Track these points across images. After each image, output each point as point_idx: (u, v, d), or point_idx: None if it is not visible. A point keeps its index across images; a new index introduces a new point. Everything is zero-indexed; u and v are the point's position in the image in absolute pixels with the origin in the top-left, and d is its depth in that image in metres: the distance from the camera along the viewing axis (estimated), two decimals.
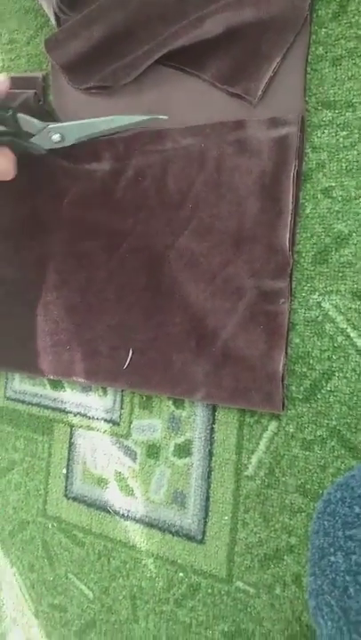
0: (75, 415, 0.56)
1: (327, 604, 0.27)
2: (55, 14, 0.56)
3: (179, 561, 0.48)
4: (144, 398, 0.51)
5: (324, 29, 0.45)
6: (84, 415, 0.55)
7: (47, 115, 0.58)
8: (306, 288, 0.44)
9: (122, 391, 0.53)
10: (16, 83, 0.59)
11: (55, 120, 0.58)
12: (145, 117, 0.50)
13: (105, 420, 0.54)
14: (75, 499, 0.56)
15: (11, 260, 0.61)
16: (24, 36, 0.62)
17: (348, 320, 0.42)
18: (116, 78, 0.52)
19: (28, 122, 0.50)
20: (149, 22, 0.51)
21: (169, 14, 0.50)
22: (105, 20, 0.52)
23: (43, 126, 0.50)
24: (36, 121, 0.50)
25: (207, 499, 0.47)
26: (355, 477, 0.32)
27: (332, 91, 0.45)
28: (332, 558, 0.28)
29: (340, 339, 0.42)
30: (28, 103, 0.58)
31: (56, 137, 0.50)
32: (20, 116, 0.49)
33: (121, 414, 0.53)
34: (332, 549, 0.28)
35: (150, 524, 0.50)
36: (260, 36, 0.47)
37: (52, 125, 0.50)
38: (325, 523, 0.29)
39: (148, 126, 0.51)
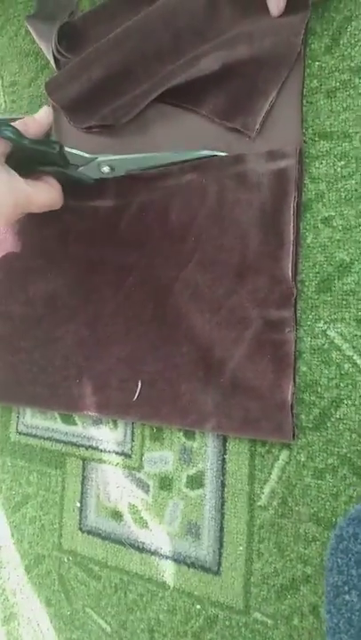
0: (86, 448, 0.56)
1: None
2: (54, 57, 0.58)
3: (195, 593, 0.48)
4: (155, 430, 0.52)
5: (317, 62, 0.47)
6: (96, 448, 0.56)
7: None
8: (311, 317, 0.44)
9: (132, 423, 0.53)
10: None
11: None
12: (202, 153, 0.50)
13: (116, 453, 0.54)
14: (89, 532, 0.56)
15: (18, 297, 0.62)
16: (25, 78, 0.64)
17: (353, 347, 0.42)
18: (117, 117, 0.54)
19: (75, 155, 0.51)
20: (146, 61, 0.52)
21: (165, 53, 0.52)
22: (103, 61, 0.53)
23: (92, 158, 0.52)
24: (84, 154, 0.51)
25: (221, 530, 0.47)
26: None
27: (328, 122, 0.46)
28: (347, 597, 0.28)
29: (346, 366, 0.42)
30: None
31: (105, 169, 0.52)
32: (68, 150, 0.50)
33: (132, 447, 0.53)
34: (346, 588, 0.28)
35: (165, 556, 0.50)
36: (256, 71, 0.48)
37: (101, 158, 0.52)
38: (339, 560, 0.29)
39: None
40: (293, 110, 0.47)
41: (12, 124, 0.48)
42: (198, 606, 0.48)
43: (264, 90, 0.48)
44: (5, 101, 0.65)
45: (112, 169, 0.52)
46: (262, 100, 0.48)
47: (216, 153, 0.49)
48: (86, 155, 0.51)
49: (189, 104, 0.52)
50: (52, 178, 0.52)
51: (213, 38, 0.50)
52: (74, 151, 0.51)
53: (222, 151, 0.49)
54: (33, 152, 0.49)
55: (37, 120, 0.51)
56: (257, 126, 0.48)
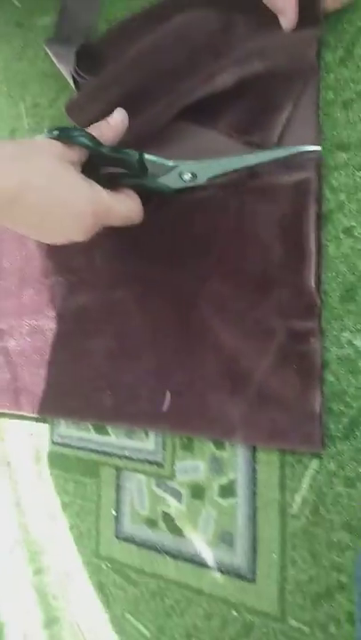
0: (120, 458, 0.58)
1: None
2: (73, 78, 0.60)
3: (231, 599, 0.49)
4: (185, 440, 0.53)
5: (332, 74, 0.47)
6: (129, 458, 0.57)
7: None
8: (336, 327, 0.45)
9: (163, 433, 0.55)
10: None
11: None
12: (289, 150, 0.46)
13: (149, 462, 0.55)
14: (125, 539, 0.58)
15: (48, 312, 0.64)
16: (46, 99, 0.65)
17: None
18: (136, 137, 0.55)
19: (155, 163, 0.49)
20: (162, 80, 0.53)
21: (180, 71, 0.52)
22: (120, 81, 0.54)
23: (173, 166, 0.49)
24: (165, 161, 0.49)
25: (254, 538, 0.48)
26: None
27: (345, 133, 0.46)
28: None
29: None
30: None
31: (187, 176, 0.50)
32: (148, 158, 0.48)
33: (164, 456, 0.54)
34: None
35: (201, 564, 0.51)
36: (271, 85, 0.49)
37: (183, 165, 0.49)
38: None
39: None
40: (310, 122, 0.47)
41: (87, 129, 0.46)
42: (235, 613, 0.49)
43: (280, 104, 0.48)
44: (29, 123, 0.67)
45: (194, 176, 0.50)
46: (279, 114, 0.48)
47: (310, 148, 0.45)
48: (168, 162, 0.49)
49: (206, 120, 0.52)
50: (130, 190, 0.49)
51: (228, 54, 0.50)
52: (155, 158, 0.48)
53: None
54: (110, 160, 0.47)
55: (112, 125, 0.48)
56: (275, 140, 0.48)
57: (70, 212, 0.43)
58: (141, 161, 0.48)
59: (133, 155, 0.48)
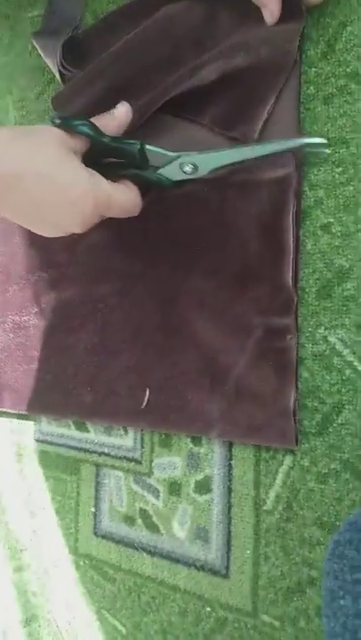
0: (99, 455, 0.58)
1: None
2: (60, 71, 0.59)
3: (206, 595, 0.49)
4: (163, 436, 0.53)
5: (314, 69, 0.47)
6: (108, 455, 0.57)
7: None
8: (312, 323, 0.45)
9: (142, 430, 0.54)
10: None
11: None
12: (297, 141, 0.45)
13: (127, 459, 0.55)
14: (104, 536, 0.57)
15: (31, 307, 0.63)
16: (33, 93, 0.65)
17: (354, 353, 0.42)
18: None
19: (156, 153, 0.48)
20: (147, 73, 0.53)
21: (165, 64, 0.52)
22: (105, 74, 0.54)
23: (174, 157, 0.48)
24: (167, 152, 0.48)
25: (229, 533, 0.47)
26: None
27: (325, 128, 0.46)
28: (342, 602, 0.28)
29: (348, 372, 0.43)
30: None
31: (188, 168, 0.48)
32: (149, 148, 0.47)
33: (142, 453, 0.54)
34: (341, 592, 0.29)
35: (176, 560, 0.51)
36: (253, 79, 0.49)
37: (184, 156, 0.48)
38: (335, 565, 0.30)
39: None
40: (291, 117, 0.47)
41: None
42: (208, 608, 0.49)
43: (262, 98, 0.48)
44: (15, 116, 0.67)
45: (195, 168, 0.48)
46: (260, 109, 0.48)
47: (314, 140, 0.44)
48: (169, 153, 0.47)
49: (190, 114, 0.52)
50: (129, 181, 0.48)
51: (212, 48, 0.50)
52: (155, 149, 0.47)
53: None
54: (111, 151, 0.46)
55: (116, 117, 0.47)
56: (256, 135, 0.48)
57: (70, 200, 0.42)
58: (142, 151, 0.47)
59: (135, 145, 0.47)
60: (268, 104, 0.48)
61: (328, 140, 0.45)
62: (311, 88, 0.47)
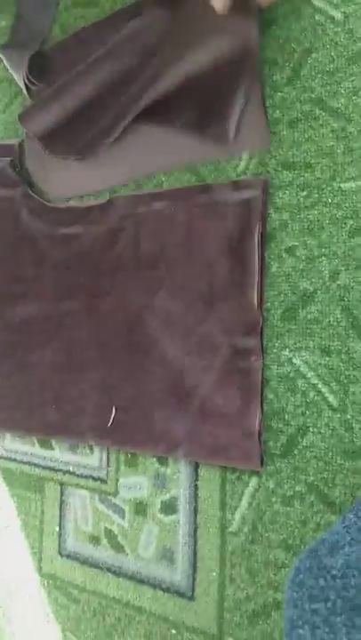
0: (64, 473, 0.57)
1: None
2: (26, 85, 0.59)
3: (171, 618, 0.49)
4: (129, 456, 0.52)
5: (280, 93, 0.47)
6: (73, 473, 0.56)
7: (24, 181, 0.60)
8: (277, 345, 0.45)
9: (107, 449, 0.54)
10: None
11: (32, 186, 0.60)
12: None
13: (93, 478, 0.55)
14: (68, 556, 0.56)
15: None
16: (0, 104, 0.64)
17: (318, 376, 0.43)
18: (94, 147, 0.54)
19: None
20: (115, 87, 0.53)
21: (132, 76, 0.52)
22: (74, 90, 0.54)
23: None
24: None
25: (195, 555, 0.47)
26: (324, 543, 0.33)
27: (290, 152, 0.46)
28: (301, 631, 0.28)
29: (312, 394, 0.43)
30: (4, 171, 0.60)
31: None
32: None
33: (108, 472, 0.54)
34: (300, 622, 0.29)
35: (142, 581, 0.51)
36: (219, 80, 0.49)
37: None
38: (294, 594, 0.30)
39: (119, 192, 0.53)
40: (260, 117, 0.47)
41: None
42: (174, 631, 0.48)
43: (231, 97, 0.48)
44: None
45: None
46: (230, 109, 0.48)
47: None
48: None
49: (163, 121, 0.52)
50: None
51: (175, 54, 0.50)
52: None
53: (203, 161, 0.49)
54: None
55: None
56: (230, 135, 0.48)
57: None
58: None
59: None
60: (237, 103, 0.48)
61: (293, 163, 0.46)
62: (277, 112, 0.47)
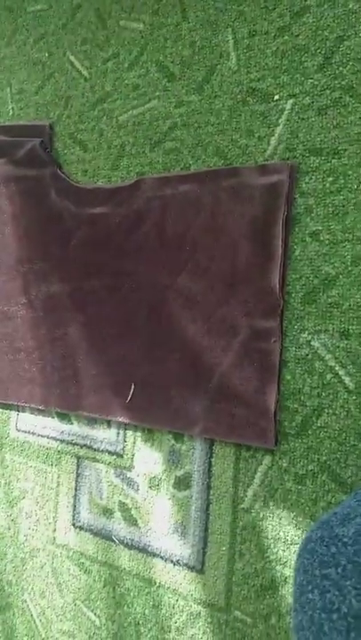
0: (81, 447, 0.58)
1: (306, 639, 0.29)
2: None
3: (180, 590, 0.50)
4: (146, 431, 0.53)
5: (310, 80, 0.48)
6: (90, 447, 0.57)
7: (53, 162, 0.61)
8: (296, 327, 0.46)
9: (125, 424, 0.55)
10: (23, 131, 0.63)
11: (60, 166, 0.61)
12: None
13: (109, 453, 0.56)
14: (82, 528, 0.58)
15: (20, 298, 0.64)
16: (32, 86, 0.65)
17: (336, 358, 0.44)
18: None
19: None
20: None
21: None
22: None
23: None
24: None
25: (206, 530, 0.48)
26: (336, 515, 0.33)
27: (318, 139, 0.47)
28: (310, 596, 0.29)
29: (328, 376, 0.44)
30: (34, 151, 0.62)
31: None
32: None
33: (124, 447, 0.55)
34: (309, 587, 0.30)
35: (153, 554, 0.52)
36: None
37: None
38: (305, 561, 0.31)
39: (148, 173, 0.54)
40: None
41: None
42: (182, 602, 0.50)
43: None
44: (13, 108, 0.67)
45: None
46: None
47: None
48: None
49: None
50: None
51: None
52: None
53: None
54: None
55: None
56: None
57: None
58: None
59: None
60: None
61: (321, 149, 0.46)
62: (307, 99, 0.48)
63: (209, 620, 0.48)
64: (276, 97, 0.49)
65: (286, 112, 0.49)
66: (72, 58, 0.62)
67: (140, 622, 0.52)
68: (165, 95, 0.55)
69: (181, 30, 0.55)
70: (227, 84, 0.52)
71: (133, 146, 0.57)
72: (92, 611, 0.57)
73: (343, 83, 0.46)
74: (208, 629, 0.48)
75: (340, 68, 0.47)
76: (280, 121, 0.49)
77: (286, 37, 0.49)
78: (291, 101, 0.48)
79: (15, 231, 0.66)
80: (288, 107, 0.49)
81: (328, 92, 0.47)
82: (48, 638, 0.61)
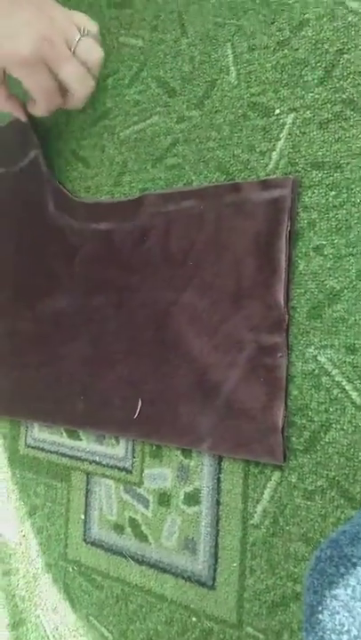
0: (90, 463, 0.58)
1: None
2: None
3: (192, 606, 0.50)
4: (154, 447, 0.54)
5: (310, 94, 0.48)
6: (99, 463, 0.58)
7: (54, 175, 0.62)
8: (302, 342, 0.46)
9: (133, 440, 0.55)
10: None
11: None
12: None
13: (118, 469, 0.56)
14: (93, 543, 0.58)
15: (25, 314, 0.64)
16: None
17: (342, 373, 0.44)
18: None
19: None
20: None
21: None
22: None
23: None
24: None
25: (216, 546, 0.48)
26: (345, 534, 0.33)
27: (320, 152, 0.47)
28: (320, 616, 0.29)
29: (335, 391, 0.44)
30: (36, 161, 0.62)
31: None
32: None
33: (133, 463, 0.55)
34: (319, 608, 0.30)
35: (164, 570, 0.52)
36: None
37: None
38: (315, 581, 0.31)
39: (150, 190, 0.55)
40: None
41: None
42: (194, 619, 0.50)
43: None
44: None
45: None
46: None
47: None
48: None
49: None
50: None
51: None
52: None
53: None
54: None
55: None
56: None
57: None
58: None
59: None
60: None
61: (323, 163, 0.46)
62: (308, 112, 0.48)
63: (221, 636, 0.48)
64: (277, 111, 0.49)
65: (287, 126, 0.49)
66: None
67: (153, 638, 0.53)
68: (166, 111, 0.56)
69: (181, 46, 0.55)
70: (227, 98, 0.52)
71: (135, 162, 0.57)
72: (105, 626, 0.57)
73: (344, 96, 0.46)
74: None
75: (341, 82, 0.47)
76: (281, 135, 0.49)
77: (286, 51, 0.49)
78: (292, 115, 0.49)
79: (17, 246, 0.66)
80: (289, 121, 0.49)
81: (329, 105, 0.47)
82: None
